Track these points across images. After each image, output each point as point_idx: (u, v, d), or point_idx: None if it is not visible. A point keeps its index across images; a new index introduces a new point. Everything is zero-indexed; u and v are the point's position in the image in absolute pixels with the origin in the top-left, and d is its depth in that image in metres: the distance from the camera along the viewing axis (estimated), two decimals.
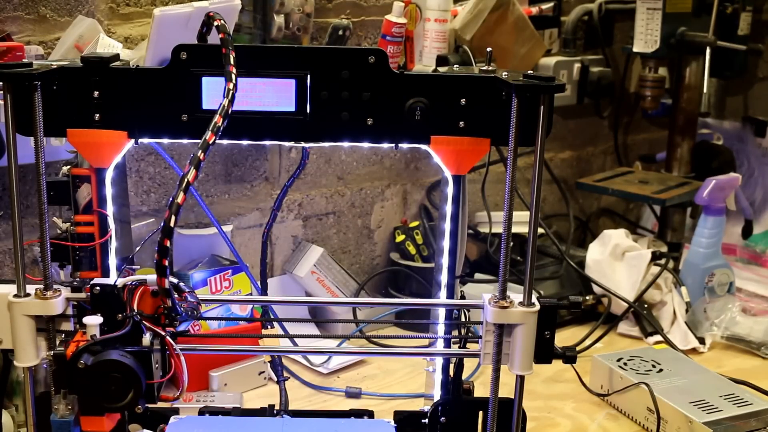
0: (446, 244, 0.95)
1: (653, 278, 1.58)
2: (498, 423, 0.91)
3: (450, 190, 0.93)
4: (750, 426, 1.17)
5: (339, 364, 1.40)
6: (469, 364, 1.06)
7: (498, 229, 1.65)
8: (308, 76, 0.87)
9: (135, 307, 0.84)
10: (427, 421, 1.00)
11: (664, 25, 1.72)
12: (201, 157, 0.77)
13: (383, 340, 1.40)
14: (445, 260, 0.96)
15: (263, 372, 1.33)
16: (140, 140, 0.89)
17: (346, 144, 0.92)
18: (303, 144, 0.92)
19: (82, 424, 0.86)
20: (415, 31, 1.55)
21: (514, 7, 1.60)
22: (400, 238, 1.65)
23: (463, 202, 0.95)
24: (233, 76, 0.79)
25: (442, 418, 0.99)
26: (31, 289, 0.84)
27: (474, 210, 1.75)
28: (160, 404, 0.88)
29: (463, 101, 0.89)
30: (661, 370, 1.32)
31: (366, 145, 0.91)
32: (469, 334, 0.99)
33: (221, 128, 0.78)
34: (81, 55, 1.01)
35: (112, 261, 0.93)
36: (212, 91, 0.86)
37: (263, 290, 1.18)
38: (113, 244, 0.93)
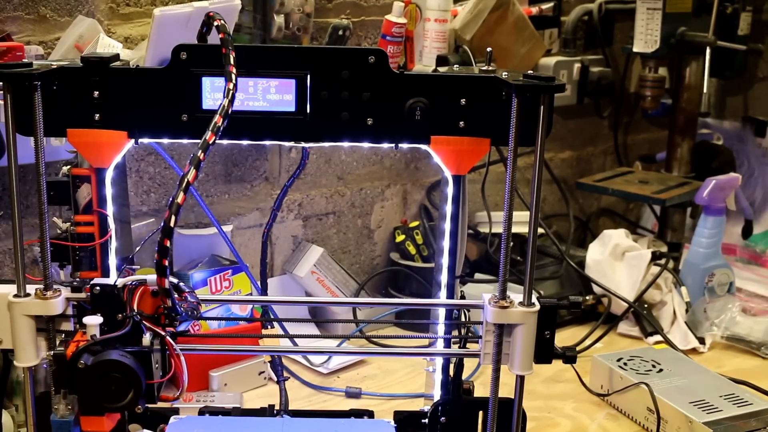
0: (446, 244, 0.95)
1: (653, 278, 1.58)
2: (498, 423, 0.91)
3: (450, 190, 0.93)
4: (750, 426, 1.17)
5: (339, 364, 1.40)
6: (469, 364, 1.06)
7: (498, 229, 1.65)
8: (308, 76, 0.87)
9: (135, 307, 0.84)
10: (427, 421, 1.00)
11: (664, 25, 1.72)
12: (201, 157, 0.77)
13: (383, 340, 1.40)
14: (445, 260, 0.96)
15: (263, 372, 1.33)
16: (140, 140, 0.89)
17: (346, 144, 0.92)
18: (303, 144, 0.92)
19: (82, 424, 0.86)
20: (415, 31, 1.55)
21: (514, 7, 1.60)
22: (400, 238, 1.65)
23: (463, 202, 0.95)
24: (233, 76, 0.79)
25: (442, 418, 0.99)
26: (31, 289, 0.84)
27: (474, 210, 1.75)
28: (160, 404, 0.88)
29: (463, 101, 0.89)
30: (661, 370, 1.32)
31: (366, 145, 0.91)
32: (469, 334, 0.99)
33: (221, 128, 0.78)
34: (81, 55, 1.01)
35: (112, 261, 0.93)
36: (212, 91, 0.86)
37: (263, 290, 1.18)
38: (113, 244, 0.93)
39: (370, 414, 1.04)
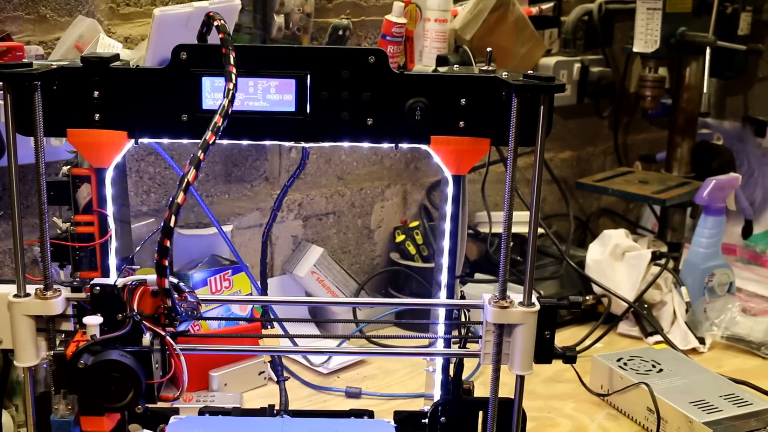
0: (446, 244, 0.95)
1: (653, 278, 1.58)
2: (498, 423, 0.91)
3: (450, 190, 0.93)
4: (750, 426, 1.17)
5: (339, 364, 1.40)
6: (469, 364, 1.06)
7: (498, 229, 1.65)
8: (308, 76, 0.87)
9: (135, 307, 0.84)
10: (427, 421, 1.00)
11: (664, 25, 1.72)
12: (201, 157, 0.77)
13: (383, 340, 1.40)
14: (445, 260, 0.96)
15: (263, 372, 1.33)
16: (140, 140, 0.89)
17: (346, 144, 0.92)
18: (303, 144, 0.92)
19: (82, 424, 0.86)
20: (415, 31, 1.55)
21: (514, 7, 1.60)
22: (400, 238, 1.65)
23: (463, 202, 0.95)
24: (233, 76, 0.79)
25: (442, 418, 0.99)
26: (31, 289, 0.84)
27: (474, 210, 1.75)
28: (160, 404, 0.88)
29: (463, 101, 0.89)
30: (661, 370, 1.32)
31: (366, 145, 0.91)
32: (469, 334, 0.99)
33: (221, 128, 0.78)
34: (81, 55, 1.01)
35: (112, 261, 0.93)
36: (212, 91, 0.86)
37: (263, 290, 1.18)
38: (113, 244, 0.93)
39: (370, 414, 1.04)
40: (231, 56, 0.80)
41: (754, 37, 2.00)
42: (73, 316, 0.86)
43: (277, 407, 1.04)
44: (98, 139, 0.88)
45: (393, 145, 0.91)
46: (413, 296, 1.60)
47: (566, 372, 1.34)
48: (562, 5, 1.85)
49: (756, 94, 2.23)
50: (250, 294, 1.36)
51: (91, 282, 0.85)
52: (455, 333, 0.99)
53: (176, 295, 0.83)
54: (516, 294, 0.88)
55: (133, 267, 0.94)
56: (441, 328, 0.99)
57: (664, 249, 1.72)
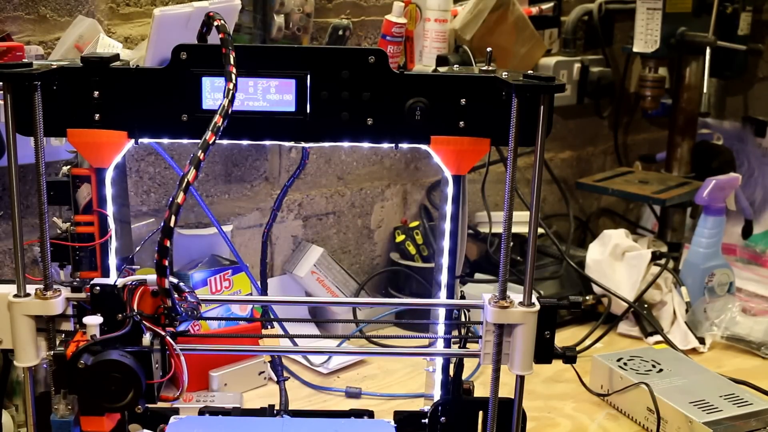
0: (446, 244, 0.95)
1: (653, 278, 1.58)
2: (498, 423, 0.91)
3: (450, 190, 0.93)
4: (750, 426, 1.17)
5: (339, 364, 1.40)
6: (469, 364, 1.06)
7: (498, 229, 1.65)
8: (308, 76, 0.87)
9: (135, 307, 0.84)
10: (427, 421, 1.00)
11: (664, 25, 1.72)
12: (201, 157, 0.77)
13: (383, 340, 1.40)
14: (445, 260, 0.96)
15: (263, 372, 1.33)
16: (140, 140, 0.89)
17: (346, 144, 0.92)
18: (303, 144, 0.92)
19: (82, 424, 0.86)
20: (415, 31, 1.55)
21: (514, 7, 1.60)
22: (400, 238, 1.65)
23: (463, 202, 0.95)
24: (233, 76, 0.79)
25: (442, 418, 0.99)
26: (31, 289, 0.84)
27: (474, 210, 1.75)
28: (160, 404, 0.88)
29: (463, 101, 0.89)
30: (661, 370, 1.32)
31: (366, 145, 0.91)
32: (469, 334, 0.99)
33: (221, 128, 0.78)
34: (81, 55, 1.01)
35: (112, 261, 0.93)
36: (212, 91, 0.86)
37: (263, 290, 1.18)
38: (113, 244, 0.93)
39: (370, 414, 1.04)
40: (231, 56, 0.80)
41: (754, 37, 2.00)
42: (73, 316, 0.86)
43: (277, 407, 1.04)
44: (98, 139, 0.88)
45: (393, 145, 0.91)
46: (413, 296, 1.60)
47: (566, 372, 1.34)
48: (562, 5, 1.85)
49: (756, 94, 2.23)
50: (250, 294, 1.36)
51: (91, 282, 0.85)
52: (455, 333, 0.99)
53: (176, 295, 0.83)
54: (516, 294, 0.88)
55: (133, 267, 0.94)
56: (441, 328, 0.99)
57: (664, 249, 1.72)
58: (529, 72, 0.85)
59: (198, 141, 0.78)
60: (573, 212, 1.89)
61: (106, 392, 0.82)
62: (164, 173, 1.42)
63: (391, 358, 1.43)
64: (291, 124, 0.89)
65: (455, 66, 1.09)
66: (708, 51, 1.75)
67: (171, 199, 0.76)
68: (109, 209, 0.91)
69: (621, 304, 1.56)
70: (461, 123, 0.89)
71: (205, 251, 1.42)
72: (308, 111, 0.88)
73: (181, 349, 0.86)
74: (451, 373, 0.97)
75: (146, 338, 0.84)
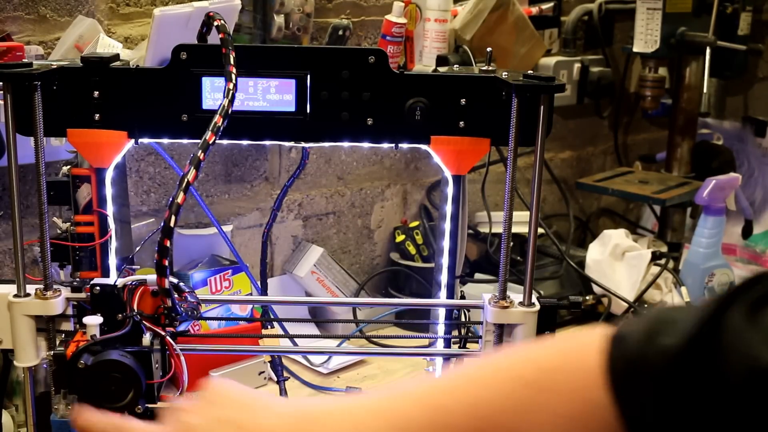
0: (446, 244, 0.95)
1: (653, 278, 1.58)
2: None
3: (450, 190, 0.93)
4: None
5: (339, 364, 1.40)
6: None
7: (498, 229, 1.65)
8: (308, 76, 0.87)
9: (135, 307, 0.84)
10: None
11: (664, 25, 1.72)
12: (201, 157, 0.77)
13: (383, 340, 1.40)
14: (445, 260, 0.96)
15: (263, 372, 1.33)
16: (140, 140, 0.89)
17: (346, 144, 0.92)
18: (303, 144, 0.92)
19: None
20: (415, 31, 1.55)
21: (514, 7, 1.60)
22: (400, 238, 1.65)
23: (463, 202, 0.95)
24: (233, 76, 0.79)
25: None
26: (31, 289, 0.84)
27: (474, 210, 1.75)
28: (160, 404, 0.88)
29: (463, 101, 0.89)
30: None
31: (366, 145, 0.91)
32: (469, 334, 0.99)
33: (221, 128, 0.78)
34: (81, 55, 1.01)
35: (112, 261, 0.93)
36: (212, 91, 0.86)
37: (263, 290, 1.18)
38: (113, 244, 0.93)
39: None
40: (231, 56, 0.80)
41: (754, 37, 2.00)
42: (73, 316, 0.86)
43: None
44: (98, 139, 0.88)
45: (393, 145, 0.91)
46: (413, 296, 1.60)
47: None
48: (562, 5, 1.85)
49: (756, 94, 2.23)
50: (250, 294, 1.36)
51: (91, 282, 0.85)
52: (455, 333, 0.99)
53: (176, 295, 0.83)
54: (516, 294, 0.88)
55: (133, 267, 0.94)
56: (441, 328, 0.98)
57: (664, 249, 1.72)
58: (529, 72, 0.85)
59: (198, 141, 0.78)
60: (573, 212, 1.89)
61: (106, 392, 0.82)
62: (164, 173, 1.42)
63: (391, 358, 1.43)
64: (291, 124, 0.89)
65: (455, 66, 1.10)
66: (708, 51, 1.75)
67: (171, 199, 0.76)
68: (109, 209, 0.91)
69: (621, 304, 1.56)
70: (461, 123, 0.89)
71: (205, 251, 1.42)
72: (308, 111, 0.88)
73: (181, 349, 0.86)
74: None
75: (146, 338, 0.84)
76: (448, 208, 0.94)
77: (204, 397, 0.65)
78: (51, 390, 0.86)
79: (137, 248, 1.00)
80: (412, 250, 1.63)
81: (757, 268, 1.90)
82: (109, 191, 0.90)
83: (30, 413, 0.88)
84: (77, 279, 0.91)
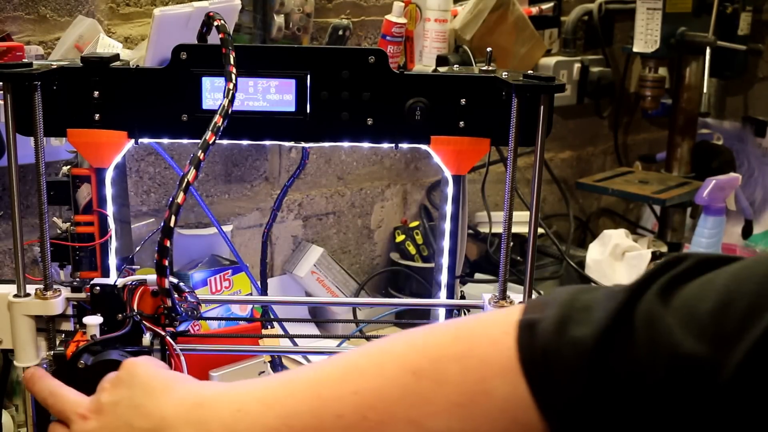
0: (446, 244, 0.95)
1: None
2: None
3: (450, 190, 0.93)
4: None
5: None
6: None
7: (498, 229, 1.65)
8: (308, 76, 0.87)
9: (135, 307, 0.84)
10: None
11: (664, 25, 1.72)
12: (201, 157, 0.77)
13: None
14: (445, 260, 0.96)
15: (263, 372, 1.33)
16: (140, 140, 0.89)
17: (346, 144, 0.92)
18: (303, 144, 0.92)
19: None
20: (415, 31, 1.55)
21: (514, 7, 1.61)
22: (400, 238, 1.65)
23: (463, 202, 0.94)
24: (233, 76, 0.79)
25: None
26: (31, 289, 0.84)
27: (474, 210, 1.75)
28: None
29: (463, 101, 0.89)
30: None
31: (366, 145, 0.91)
32: None
33: (221, 128, 0.78)
34: (81, 55, 1.01)
35: (112, 261, 0.93)
36: (212, 91, 0.86)
37: (263, 290, 1.18)
38: (113, 244, 0.93)
39: None
40: (231, 56, 0.80)
41: (754, 37, 2.00)
42: (73, 316, 0.86)
43: None
44: (98, 139, 0.88)
45: (393, 145, 0.91)
46: (413, 296, 1.60)
47: None
48: (562, 5, 1.85)
49: (756, 94, 2.23)
50: (250, 294, 1.36)
51: (91, 282, 0.85)
52: None
53: (176, 295, 0.83)
54: (516, 294, 0.88)
55: (133, 267, 0.94)
56: None
57: (664, 249, 1.72)
58: (529, 72, 0.85)
59: (198, 141, 0.77)
60: (573, 212, 1.89)
61: None
62: (164, 173, 1.42)
63: None
64: (291, 124, 0.89)
65: (455, 66, 1.09)
66: (708, 51, 1.75)
67: (171, 199, 0.76)
68: (109, 209, 0.91)
69: None
70: (461, 123, 0.89)
71: (205, 251, 1.42)
72: (308, 111, 0.88)
73: (181, 349, 0.86)
74: None
75: (146, 338, 0.84)
76: (448, 208, 0.94)
77: (119, 376, 0.69)
78: None
79: (137, 248, 1.00)
80: (412, 250, 1.63)
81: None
82: (109, 191, 0.90)
83: (30, 413, 0.88)
84: (77, 279, 0.91)
